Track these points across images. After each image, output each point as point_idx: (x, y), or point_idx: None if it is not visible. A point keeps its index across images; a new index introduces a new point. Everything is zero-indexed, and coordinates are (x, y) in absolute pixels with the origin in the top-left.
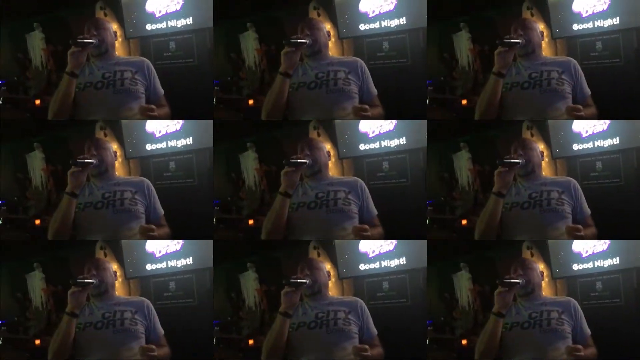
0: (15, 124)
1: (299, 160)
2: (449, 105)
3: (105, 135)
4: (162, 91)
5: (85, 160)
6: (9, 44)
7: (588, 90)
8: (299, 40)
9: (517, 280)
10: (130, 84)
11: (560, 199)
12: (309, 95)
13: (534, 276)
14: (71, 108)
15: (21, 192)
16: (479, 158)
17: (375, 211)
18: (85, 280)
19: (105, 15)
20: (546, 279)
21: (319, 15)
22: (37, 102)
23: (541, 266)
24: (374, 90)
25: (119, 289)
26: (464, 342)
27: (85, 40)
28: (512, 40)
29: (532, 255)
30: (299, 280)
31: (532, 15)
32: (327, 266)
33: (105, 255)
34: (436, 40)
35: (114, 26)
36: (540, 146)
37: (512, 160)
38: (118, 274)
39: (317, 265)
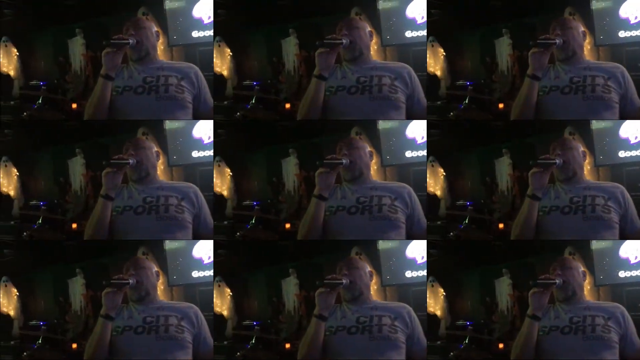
0: (58, 128)
1: (334, 161)
2: (486, 108)
3: (147, 139)
4: (212, 102)
5: (121, 161)
6: (52, 48)
7: (639, 101)
8: (333, 41)
9: (553, 280)
10: (177, 91)
11: (606, 205)
12: (349, 100)
13: (574, 276)
14: (107, 113)
15: (61, 195)
16: (519, 164)
17: (424, 223)
18: (120, 281)
19: (147, 17)
20: (588, 287)
21: (360, 19)
22: (74, 105)
23: (583, 269)
24: (424, 101)
25: (161, 297)
26: (501, 345)
27: (120, 41)
28: (548, 41)
29: (573, 259)
30: (333, 281)
31: (573, 19)
32: (370, 269)
33: (147, 259)
34: (477, 42)
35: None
36: (580, 149)
37: (546, 161)
38: (160, 280)
39: (357, 265)
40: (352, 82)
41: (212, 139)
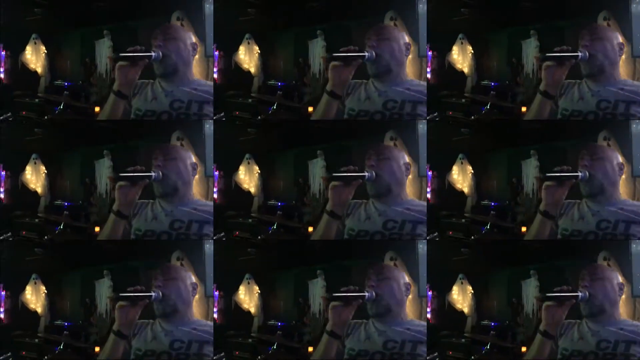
0: (87, 128)
1: (347, 174)
2: (508, 111)
3: (182, 145)
4: None
5: (135, 174)
6: (79, 48)
7: None
8: (349, 54)
9: (575, 294)
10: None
11: None
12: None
13: (606, 289)
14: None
15: (86, 197)
16: (546, 167)
17: None
18: (138, 293)
19: (183, 26)
20: (624, 297)
21: (395, 25)
22: (97, 109)
23: (619, 280)
24: None
25: (196, 309)
26: (524, 349)
27: (135, 54)
28: (562, 54)
29: (609, 266)
30: (347, 294)
31: (609, 25)
32: (407, 278)
33: (182, 265)
34: (504, 43)
35: (193, 39)
36: (619, 160)
37: (561, 174)
38: (197, 289)
39: (389, 275)
40: (377, 106)
41: None
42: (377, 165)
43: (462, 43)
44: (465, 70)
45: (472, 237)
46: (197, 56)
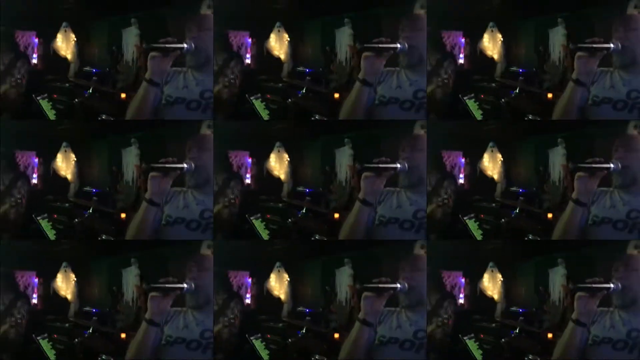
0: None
1: (379, 165)
2: (535, 97)
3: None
4: None
5: (167, 165)
6: (107, 36)
7: None
8: (382, 45)
9: (606, 285)
10: None
11: None
12: (399, 115)
13: (639, 281)
14: (151, 116)
15: (112, 184)
16: (574, 155)
17: None
18: (169, 285)
19: (209, 7)
20: None
21: (422, 7)
22: (123, 95)
23: None
24: None
25: None
26: (550, 335)
27: (167, 45)
28: (594, 45)
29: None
30: (379, 285)
31: (637, 9)
32: None
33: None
34: (531, 31)
35: None
36: None
37: (593, 165)
38: None
39: (424, 267)
40: (408, 94)
41: None
42: (412, 156)
43: (492, 31)
44: (495, 56)
45: (502, 220)
46: None
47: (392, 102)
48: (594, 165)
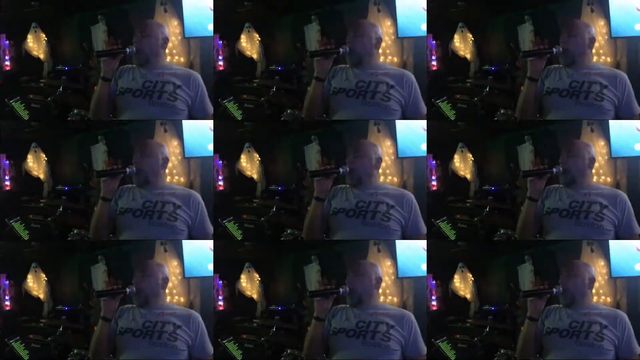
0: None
1: (318, 170)
2: (508, 93)
3: (166, 130)
4: (211, 109)
5: (112, 171)
6: (77, 33)
7: (638, 108)
8: (327, 51)
9: (546, 291)
10: (169, 98)
11: (600, 213)
12: (347, 102)
13: (577, 284)
14: (108, 110)
15: (85, 181)
16: (540, 152)
17: (424, 229)
18: (112, 290)
19: (166, 11)
20: (606, 277)
21: (379, 11)
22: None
23: (601, 263)
24: (424, 108)
25: (178, 288)
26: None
27: (111, 50)
28: (541, 50)
29: (592, 251)
30: (319, 290)
31: (592, 11)
32: (387, 266)
33: (166, 250)
34: (502, 28)
35: (174, 24)
36: (600, 143)
37: (540, 171)
38: (177, 271)
39: (363, 271)
40: (351, 85)
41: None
42: (352, 161)
43: (462, 31)
44: (468, 56)
45: (475, 219)
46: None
47: (340, 91)
48: (540, 171)
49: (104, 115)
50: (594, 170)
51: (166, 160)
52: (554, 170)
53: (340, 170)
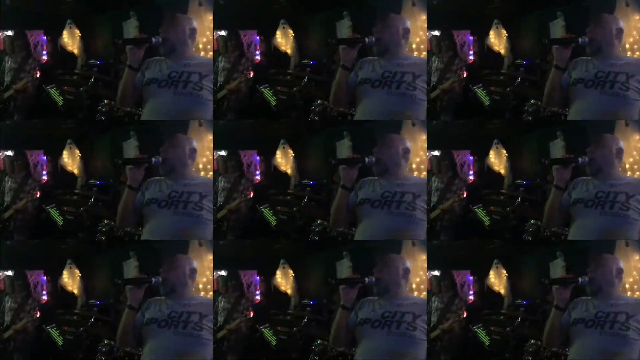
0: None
1: (343, 158)
2: (540, 87)
3: (201, 124)
4: None
5: (139, 160)
6: (110, 29)
7: None
8: (353, 39)
9: (573, 279)
10: (194, 87)
11: (626, 202)
12: (372, 92)
13: (604, 275)
14: (134, 99)
15: (116, 175)
16: (572, 146)
17: None
18: (137, 278)
19: (201, 4)
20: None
21: (413, 4)
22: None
23: (636, 258)
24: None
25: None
26: None
27: (136, 38)
28: (566, 39)
29: (627, 245)
30: (349, 278)
31: (627, 5)
32: (421, 260)
33: (201, 245)
34: (535, 25)
35: (209, 18)
36: (636, 137)
37: (565, 159)
38: (212, 266)
39: (390, 263)
40: (377, 76)
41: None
42: (379, 151)
43: (497, 28)
44: (502, 51)
45: (508, 209)
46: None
47: (366, 82)
48: (565, 159)
49: (130, 104)
50: (627, 166)
51: (193, 151)
52: (580, 160)
53: (366, 159)
